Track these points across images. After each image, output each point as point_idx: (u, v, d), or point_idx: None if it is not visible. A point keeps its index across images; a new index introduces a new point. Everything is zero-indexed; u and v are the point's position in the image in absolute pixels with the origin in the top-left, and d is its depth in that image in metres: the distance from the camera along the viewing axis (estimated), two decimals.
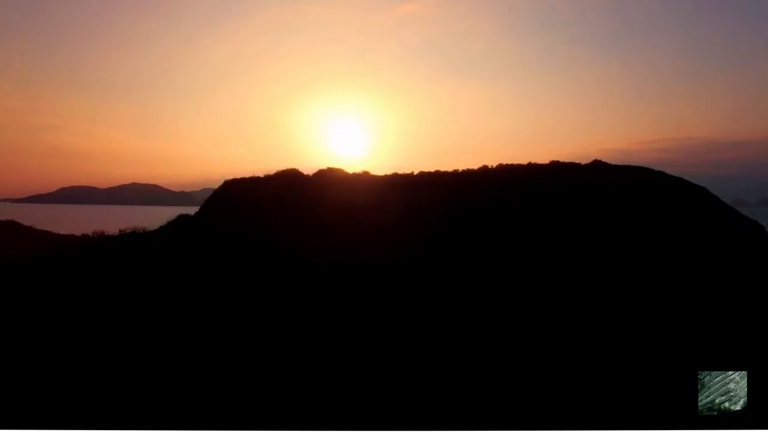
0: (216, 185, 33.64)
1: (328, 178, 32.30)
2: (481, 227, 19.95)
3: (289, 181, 31.99)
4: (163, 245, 24.42)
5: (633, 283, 14.62)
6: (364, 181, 32.04)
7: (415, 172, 33.14)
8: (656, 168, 29.58)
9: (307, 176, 33.08)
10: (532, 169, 31.81)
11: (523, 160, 34.01)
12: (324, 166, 34.82)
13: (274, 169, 34.63)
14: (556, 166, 31.55)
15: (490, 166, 33.39)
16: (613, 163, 31.38)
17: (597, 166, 31.17)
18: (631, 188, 24.49)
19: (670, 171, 29.78)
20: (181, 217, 30.67)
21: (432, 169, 33.04)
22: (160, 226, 29.55)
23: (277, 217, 24.73)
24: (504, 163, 33.55)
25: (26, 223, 43.52)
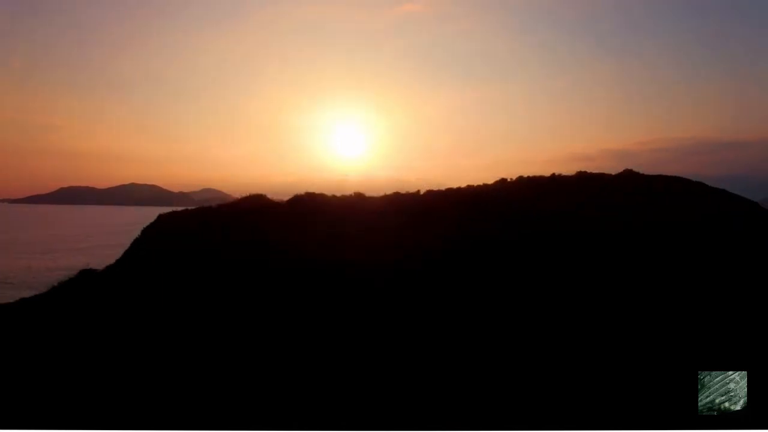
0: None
1: (304, 208, 24.39)
2: (500, 263, 16.63)
3: (250, 212, 24.12)
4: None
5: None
6: (355, 207, 24.42)
7: (422, 191, 26.81)
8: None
9: (277, 204, 25.44)
10: (557, 182, 27.50)
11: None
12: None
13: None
14: (583, 178, 27.94)
15: (509, 179, 28.60)
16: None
17: (628, 176, 28.25)
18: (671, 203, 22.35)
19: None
20: (84, 275, 21.76)
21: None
22: (53, 286, 20.94)
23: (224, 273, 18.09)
24: (524, 175, 28.67)
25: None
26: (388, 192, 26.60)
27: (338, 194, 26.08)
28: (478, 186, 27.72)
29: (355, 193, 26.38)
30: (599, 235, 17.78)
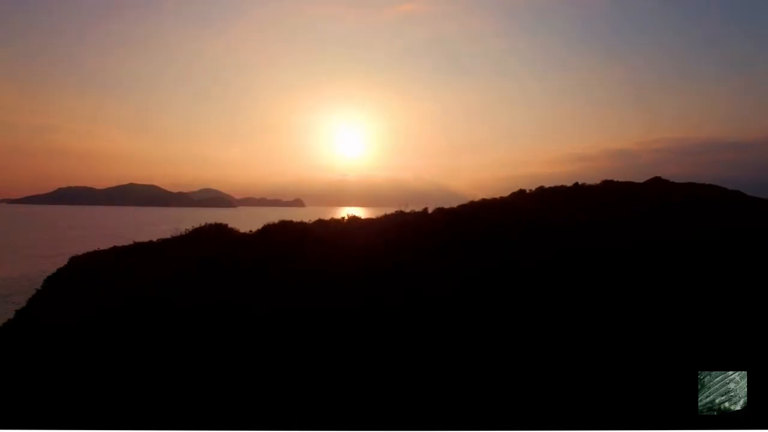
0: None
1: (275, 242, 18.59)
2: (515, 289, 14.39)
3: (201, 248, 18.70)
4: None
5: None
6: (345, 238, 18.75)
7: (430, 210, 22.73)
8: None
9: (243, 236, 20.22)
10: (581, 192, 25.07)
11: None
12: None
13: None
14: (610, 189, 25.63)
15: (528, 191, 25.87)
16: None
17: (658, 184, 26.36)
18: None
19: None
20: None
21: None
22: None
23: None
24: (545, 185, 26.08)
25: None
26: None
27: (326, 217, 22.74)
28: (496, 200, 24.69)
29: (348, 216, 22.02)
30: (612, 253, 16.96)
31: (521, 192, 25.94)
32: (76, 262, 20.14)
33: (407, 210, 22.55)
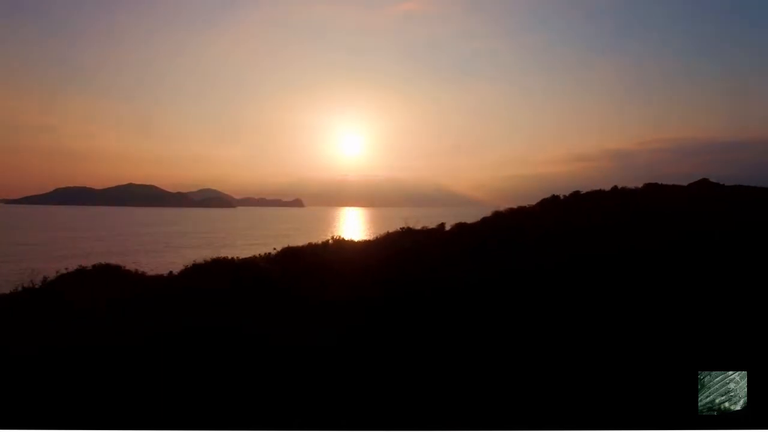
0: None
1: (200, 292, 12.11)
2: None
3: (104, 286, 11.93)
4: None
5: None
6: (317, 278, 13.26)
7: (447, 226, 18.47)
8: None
9: (150, 283, 13.48)
10: (621, 195, 23.31)
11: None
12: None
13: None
14: (651, 192, 23.74)
15: (561, 197, 23.91)
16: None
17: (705, 186, 25.07)
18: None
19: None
20: None
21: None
22: None
23: None
24: (581, 190, 24.06)
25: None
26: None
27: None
28: (525, 209, 22.30)
29: (333, 238, 17.66)
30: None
31: (554, 198, 24.03)
32: None
33: (417, 227, 17.07)
